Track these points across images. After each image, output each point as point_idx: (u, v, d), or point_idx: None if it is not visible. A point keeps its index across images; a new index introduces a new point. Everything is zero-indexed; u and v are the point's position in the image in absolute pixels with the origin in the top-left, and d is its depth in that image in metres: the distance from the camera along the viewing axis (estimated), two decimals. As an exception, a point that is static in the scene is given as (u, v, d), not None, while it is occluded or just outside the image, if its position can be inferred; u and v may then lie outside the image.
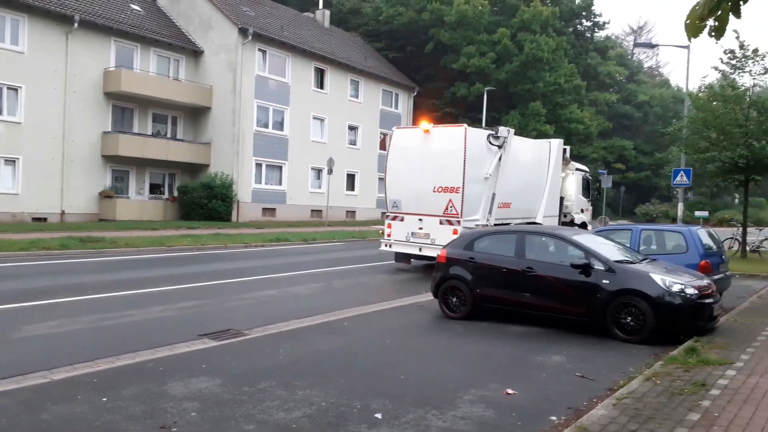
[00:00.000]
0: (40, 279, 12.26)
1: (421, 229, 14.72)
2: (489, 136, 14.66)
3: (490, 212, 14.54)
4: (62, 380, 5.99)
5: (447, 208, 14.38)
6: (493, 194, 14.57)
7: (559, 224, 17.57)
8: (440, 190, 14.43)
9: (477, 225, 14.28)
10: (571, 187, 19.65)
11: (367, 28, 47.83)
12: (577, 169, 20.28)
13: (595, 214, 27.82)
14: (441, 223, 14.42)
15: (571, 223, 18.96)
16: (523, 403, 5.60)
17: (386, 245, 15.37)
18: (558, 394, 5.91)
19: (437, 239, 13.91)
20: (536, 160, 17.12)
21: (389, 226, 15.34)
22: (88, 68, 26.31)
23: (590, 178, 22.08)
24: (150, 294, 10.53)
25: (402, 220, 15.15)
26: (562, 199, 18.49)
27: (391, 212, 15.44)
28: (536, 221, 16.49)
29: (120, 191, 28.22)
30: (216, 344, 7.60)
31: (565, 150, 18.77)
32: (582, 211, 20.45)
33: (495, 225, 14.46)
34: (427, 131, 14.84)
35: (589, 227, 19.47)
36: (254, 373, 6.27)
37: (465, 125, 14.65)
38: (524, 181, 16.10)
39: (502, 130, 14.82)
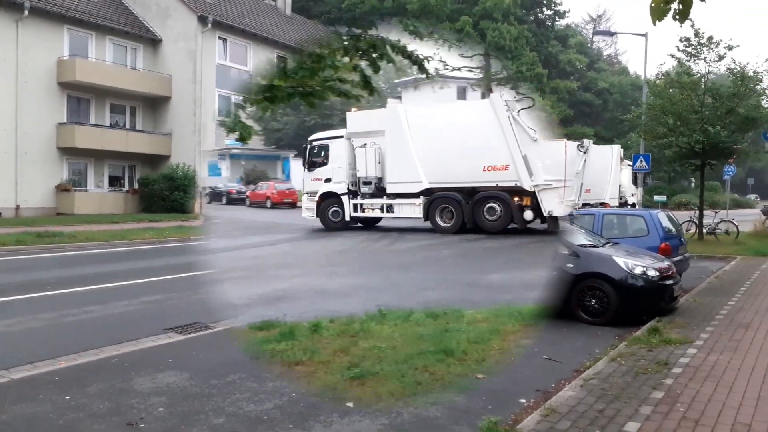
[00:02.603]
0: (-5, 276, 11.85)
1: None
2: (578, 146, 19.68)
3: (579, 195, 19.59)
4: (22, 379, 5.81)
5: None
6: (581, 183, 19.55)
7: (618, 205, 22.89)
8: None
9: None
10: (625, 178, 25.11)
11: (330, 16, 47.28)
12: (628, 165, 26.05)
13: None
14: None
15: (625, 204, 24.23)
16: (492, 387, 5.66)
17: None
18: (526, 377, 5.99)
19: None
20: (604, 160, 22.17)
21: None
22: (40, 57, 25.37)
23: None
24: (113, 289, 10.27)
25: None
26: (619, 186, 23.80)
27: None
28: (605, 201, 21.61)
29: (78, 184, 27.42)
30: (182, 338, 7.46)
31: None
32: (632, 195, 26.07)
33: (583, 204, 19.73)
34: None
35: (637, 206, 24.56)
36: (222, 366, 6.18)
37: (565, 139, 20.38)
38: (598, 174, 21.25)
39: (586, 142, 20.18)
